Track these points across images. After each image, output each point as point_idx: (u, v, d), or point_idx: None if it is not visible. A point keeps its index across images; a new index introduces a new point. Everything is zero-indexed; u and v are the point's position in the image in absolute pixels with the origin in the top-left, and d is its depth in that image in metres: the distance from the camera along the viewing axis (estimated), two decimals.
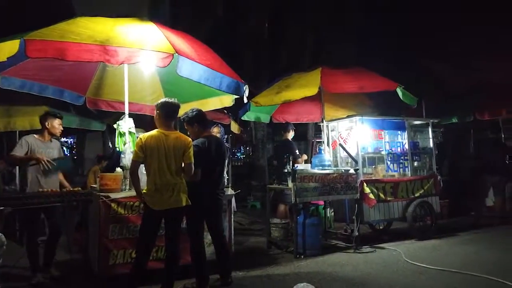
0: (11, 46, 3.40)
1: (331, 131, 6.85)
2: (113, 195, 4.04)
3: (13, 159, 4.33)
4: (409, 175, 6.63)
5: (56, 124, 4.47)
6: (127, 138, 4.61)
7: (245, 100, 4.98)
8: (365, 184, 5.91)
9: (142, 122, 5.29)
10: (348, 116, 6.61)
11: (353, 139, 6.40)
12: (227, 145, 5.74)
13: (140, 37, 4.00)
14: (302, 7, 11.82)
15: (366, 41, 12.61)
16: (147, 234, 3.61)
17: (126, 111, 4.76)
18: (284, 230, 6.02)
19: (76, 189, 4.45)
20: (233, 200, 5.28)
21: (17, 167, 6.31)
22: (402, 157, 6.72)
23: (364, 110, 7.42)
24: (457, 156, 9.14)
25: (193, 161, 3.69)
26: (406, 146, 6.77)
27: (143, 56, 3.80)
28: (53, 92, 5.25)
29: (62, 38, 3.63)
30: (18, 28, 3.85)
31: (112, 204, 3.99)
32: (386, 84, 6.48)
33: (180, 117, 4.20)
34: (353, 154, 6.20)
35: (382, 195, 6.10)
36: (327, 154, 6.35)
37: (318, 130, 9.10)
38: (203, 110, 4.70)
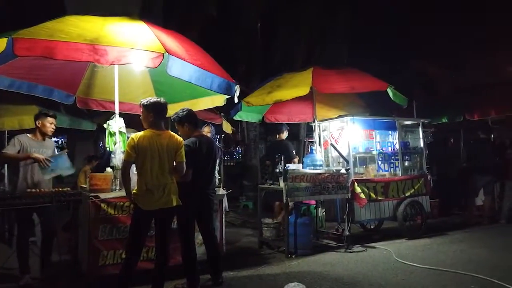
0: None
1: (323, 131, 6.87)
2: (103, 195, 4.01)
3: (5, 157, 4.28)
4: (400, 175, 6.67)
5: (47, 123, 4.44)
6: (118, 138, 4.58)
7: (236, 100, 4.97)
8: (356, 184, 5.94)
9: (133, 122, 5.25)
10: (339, 116, 6.64)
11: (345, 139, 6.44)
12: (218, 145, 5.74)
13: (130, 36, 3.97)
14: (295, 7, 11.84)
15: (358, 42, 12.68)
16: (137, 234, 3.59)
17: (117, 111, 4.73)
18: (276, 230, 6.02)
19: (65, 189, 4.41)
20: (225, 200, 5.27)
21: (6, 167, 6.24)
22: (392, 157, 6.77)
23: (355, 110, 7.47)
24: (447, 156, 9.21)
25: (184, 160, 3.68)
26: (397, 146, 6.82)
27: (133, 56, 3.77)
28: (42, 91, 5.18)
29: (50, 37, 3.58)
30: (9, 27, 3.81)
31: (102, 205, 3.96)
32: (377, 85, 6.52)
33: (170, 117, 4.18)
34: (345, 154, 6.23)
35: (373, 195, 6.14)
36: (318, 154, 6.38)
37: (310, 130, 9.14)
38: (195, 109, 4.69)
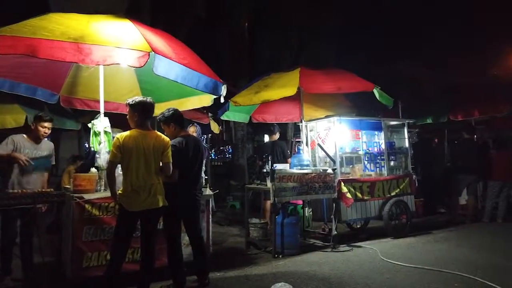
0: None
1: (310, 131, 6.90)
2: (87, 196, 3.95)
3: None
4: (386, 175, 6.75)
5: (40, 127, 4.42)
6: (103, 137, 4.52)
7: (222, 100, 4.95)
8: (342, 184, 5.98)
9: (118, 121, 5.18)
10: (326, 116, 6.68)
11: (331, 139, 6.48)
12: (205, 145, 5.71)
13: (116, 35, 3.91)
14: (283, 7, 11.87)
15: (345, 42, 12.79)
16: (122, 235, 3.54)
17: (102, 110, 4.66)
18: (263, 230, 6.03)
19: (49, 190, 4.33)
20: (212, 200, 5.25)
21: None
22: (378, 157, 6.84)
23: (342, 111, 7.52)
24: (431, 156, 9.36)
25: (171, 161, 3.64)
26: (383, 146, 6.89)
27: (119, 55, 3.72)
28: (25, 90, 5.07)
29: (33, 35, 3.51)
30: None
31: (86, 205, 3.90)
32: (363, 85, 6.57)
33: (156, 117, 4.14)
34: (331, 154, 6.27)
35: (359, 195, 6.19)
36: (305, 154, 6.40)
37: (297, 130, 9.17)
38: (182, 109, 4.66)
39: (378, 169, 6.79)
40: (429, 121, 9.34)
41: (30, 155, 4.28)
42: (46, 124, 4.43)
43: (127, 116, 3.67)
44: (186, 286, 3.89)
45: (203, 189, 4.58)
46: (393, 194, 6.58)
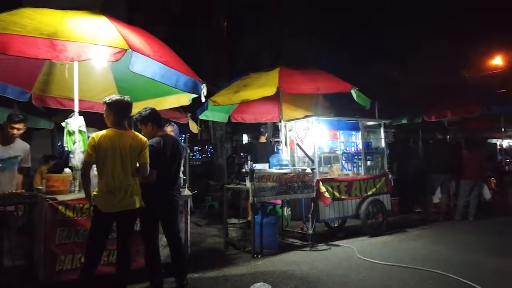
0: None
1: (289, 131, 6.93)
2: (60, 197, 3.83)
3: None
4: (363, 174, 6.85)
5: (8, 128, 4.24)
6: (77, 137, 4.39)
7: (203, 99, 4.91)
8: (321, 183, 6.04)
9: (94, 120, 5.05)
10: (305, 116, 6.72)
11: (310, 139, 6.52)
12: (183, 144, 5.65)
13: (91, 31, 3.81)
14: (262, 7, 11.89)
15: (323, 44, 12.93)
16: (97, 237, 3.45)
17: (76, 109, 4.53)
18: (242, 230, 6.01)
19: (19, 191, 4.17)
20: (190, 200, 5.19)
21: None
22: (356, 157, 6.94)
23: (320, 111, 7.59)
24: (407, 156, 9.57)
25: (148, 161, 3.58)
26: (360, 146, 6.99)
27: (95, 52, 3.63)
28: None
29: (4, 30, 3.38)
30: None
31: (60, 207, 3.78)
32: (341, 86, 6.66)
33: (133, 116, 4.06)
34: (310, 153, 6.31)
35: (337, 194, 6.26)
36: (285, 154, 6.42)
37: (276, 129, 9.20)
38: (160, 108, 4.59)
39: (355, 168, 6.88)
40: (404, 121, 9.55)
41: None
42: (17, 125, 4.27)
43: (104, 115, 3.58)
44: None
45: (181, 189, 4.52)
46: (369, 193, 6.69)
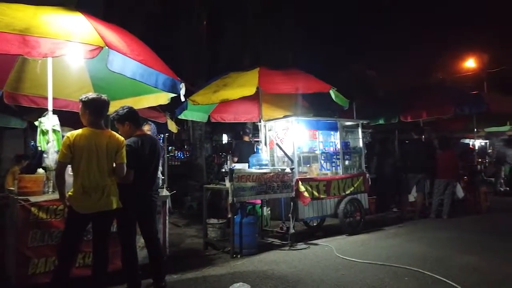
0: None
1: (269, 130, 6.95)
2: (33, 199, 3.71)
3: None
4: (341, 174, 6.94)
5: None
6: (51, 136, 4.27)
7: (182, 99, 4.86)
8: (300, 183, 6.08)
9: (69, 119, 4.92)
10: (284, 116, 6.76)
11: (289, 138, 6.56)
12: (161, 144, 5.59)
13: (66, 27, 3.71)
14: (241, 7, 11.88)
15: (303, 44, 13.05)
16: (71, 239, 3.36)
17: (50, 108, 4.41)
18: (221, 230, 5.99)
19: None
20: (169, 201, 5.14)
21: None
22: (334, 156, 7.02)
23: (300, 111, 7.65)
24: (383, 156, 9.76)
25: (125, 161, 3.51)
26: (338, 145, 7.08)
27: (69, 48, 3.53)
28: None
29: None
30: None
31: (32, 209, 3.67)
32: (320, 86, 6.73)
33: (109, 115, 3.97)
34: (289, 153, 6.35)
35: (316, 193, 6.31)
36: (264, 154, 6.44)
37: (256, 129, 9.21)
38: (138, 107, 4.51)
39: (334, 168, 6.97)
40: (381, 121, 9.74)
41: None
42: None
43: (79, 114, 3.49)
44: None
45: (159, 189, 4.46)
46: (347, 192, 6.78)
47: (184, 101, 6.23)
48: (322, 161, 6.88)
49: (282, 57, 12.01)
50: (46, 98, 4.50)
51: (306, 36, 13.18)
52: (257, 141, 8.46)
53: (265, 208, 6.88)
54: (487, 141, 14.98)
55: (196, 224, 7.61)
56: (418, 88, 10.95)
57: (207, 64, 11.53)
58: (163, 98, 5.30)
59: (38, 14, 3.77)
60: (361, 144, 7.54)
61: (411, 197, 8.51)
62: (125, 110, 3.91)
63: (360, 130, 7.55)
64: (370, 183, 7.37)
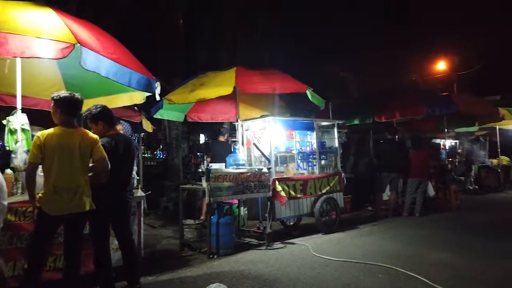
0: None
1: (246, 130, 6.95)
2: None
3: None
4: (317, 173, 7.01)
5: None
6: (19, 136, 4.11)
7: (157, 98, 4.79)
8: (277, 182, 6.11)
9: (39, 118, 4.76)
10: (261, 116, 6.77)
11: (267, 138, 6.57)
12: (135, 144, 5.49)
13: (36, 24, 3.58)
14: (217, 7, 11.83)
15: (279, 44, 13.12)
16: (41, 242, 3.25)
17: (19, 106, 4.25)
18: (198, 231, 5.94)
19: None
20: (144, 201, 5.05)
21: None
22: (311, 156, 7.09)
23: (276, 111, 7.68)
24: (358, 155, 9.94)
25: (105, 155, 3.42)
26: (315, 145, 7.15)
27: (39, 46, 3.41)
28: None
29: None
30: None
31: None
32: (297, 86, 6.77)
33: (82, 114, 3.86)
34: (266, 153, 6.36)
35: (292, 193, 6.35)
36: (241, 153, 6.43)
37: (233, 129, 9.19)
38: (112, 106, 4.41)
39: (310, 167, 7.03)
40: (356, 122, 9.90)
41: None
42: None
43: (52, 112, 3.38)
44: None
45: (134, 190, 4.38)
46: (323, 191, 6.86)
47: (159, 100, 6.15)
48: (299, 161, 6.93)
49: (259, 57, 12.04)
50: (15, 96, 4.33)
51: (283, 36, 13.25)
52: (234, 141, 8.45)
53: (242, 208, 6.88)
54: (457, 141, 15.49)
55: (172, 225, 7.52)
56: (391, 89, 11.21)
57: (184, 63, 11.41)
58: (138, 97, 5.21)
59: (6, 9, 3.63)
60: (336, 144, 7.65)
61: (385, 196, 8.69)
62: (99, 109, 3.82)
63: (336, 130, 7.65)
64: (345, 182, 7.49)
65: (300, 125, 7.10)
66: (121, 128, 5.29)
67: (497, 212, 8.76)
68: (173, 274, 4.51)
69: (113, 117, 4.00)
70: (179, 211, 6.09)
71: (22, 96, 4.35)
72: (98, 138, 3.49)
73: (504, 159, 13.18)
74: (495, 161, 13.19)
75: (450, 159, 13.09)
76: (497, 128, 12.34)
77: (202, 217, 6.63)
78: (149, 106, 6.97)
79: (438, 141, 14.71)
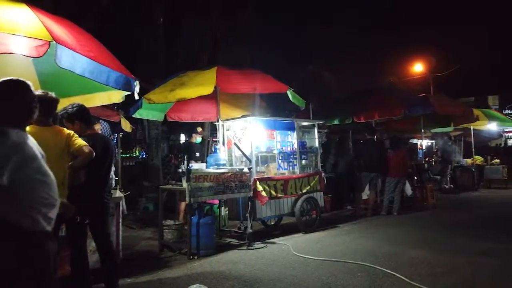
0: None
1: (227, 130, 6.92)
2: None
3: None
4: (298, 173, 7.05)
5: None
6: None
7: (136, 97, 4.70)
8: (258, 182, 6.11)
9: None
10: (242, 116, 6.76)
11: (247, 138, 6.57)
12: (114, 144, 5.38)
13: (10, 20, 3.46)
14: (198, 6, 11.75)
15: (260, 44, 13.15)
16: None
17: None
18: (178, 231, 5.88)
19: None
20: (122, 202, 4.97)
21: None
22: (291, 156, 7.13)
23: (257, 111, 7.68)
24: (338, 155, 10.06)
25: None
26: (295, 145, 7.19)
27: (14, 43, 3.29)
28: None
29: None
30: None
31: None
32: (278, 87, 6.80)
33: (58, 113, 3.76)
34: (247, 153, 6.36)
35: (273, 192, 6.37)
36: (222, 153, 6.41)
37: (213, 129, 9.15)
38: (89, 106, 4.31)
39: (291, 167, 7.07)
40: (336, 122, 10.03)
41: None
42: None
43: None
44: None
45: (112, 191, 4.31)
46: (304, 191, 6.91)
47: (139, 100, 6.06)
48: (280, 161, 6.95)
49: (240, 57, 12.02)
50: None
51: (264, 36, 13.29)
52: (215, 141, 8.41)
53: (223, 208, 6.85)
54: (433, 141, 15.88)
55: (151, 226, 7.42)
56: (370, 90, 11.40)
57: (163, 63, 11.29)
58: (117, 96, 5.09)
59: None
60: (317, 144, 7.71)
61: (364, 195, 8.83)
62: (75, 108, 3.73)
63: (316, 130, 7.72)
64: (325, 182, 7.56)
65: (281, 125, 7.12)
66: (100, 127, 5.18)
67: (472, 210, 9.03)
68: (153, 276, 4.46)
69: (90, 116, 3.91)
70: (159, 212, 6.02)
71: None
72: (73, 132, 3.40)
73: (478, 159, 13.59)
74: (469, 160, 13.58)
75: (427, 159, 13.41)
76: (472, 128, 12.73)
77: (180, 218, 6.57)
78: (128, 106, 6.86)
79: (415, 141, 15.05)
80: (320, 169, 7.62)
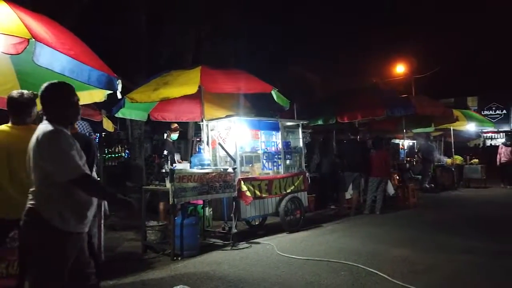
0: None
1: (211, 130, 6.89)
2: None
3: None
4: (282, 173, 7.07)
5: None
6: None
7: (119, 96, 4.63)
8: (242, 182, 6.11)
9: None
10: (227, 116, 6.74)
11: (232, 138, 6.56)
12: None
13: None
14: (182, 5, 11.66)
15: (244, 44, 13.15)
16: None
17: None
18: (161, 232, 5.82)
19: None
20: (105, 203, 4.88)
21: None
22: (276, 156, 7.14)
23: (242, 111, 7.68)
24: (322, 155, 10.14)
25: None
26: (280, 145, 7.21)
27: None
28: None
29: None
30: None
31: None
32: (262, 87, 6.80)
33: (39, 112, 3.67)
34: (232, 153, 6.34)
35: (258, 192, 6.38)
36: (206, 153, 6.37)
37: (198, 129, 9.10)
38: None
39: (275, 167, 7.08)
40: (320, 122, 10.11)
41: None
42: None
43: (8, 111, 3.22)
44: None
45: None
46: (288, 191, 6.93)
47: (121, 99, 5.98)
48: (264, 161, 6.96)
49: (224, 57, 11.99)
50: None
51: (248, 36, 13.28)
52: (199, 141, 8.35)
53: (207, 208, 6.82)
54: (414, 141, 16.15)
55: (134, 227, 7.32)
56: (353, 91, 11.53)
57: (147, 61, 11.15)
58: (99, 95, 5.01)
59: None
60: (301, 144, 7.75)
61: (348, 195, 8.92)
62: None
63: (300, 130, 7.76)
64: (309, 181, 7.61)
65: (265, 125, 7.13)
66: (76, 127, 5.07)
67: (453, 209, 9.22)
68: (136, 277, 4.40)
69: None
70: (142, 213, 5.94)
71: None
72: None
73: (458, 159, 13.90)
74: (449, 160, 13.87)
75: (408, 159, 13.64)
76: (451, 129, 13.01)
77: (161, 220, 6.50)
78: (110, 105, 6.75)
79: (397, 141, 15.28)
80: (304, 169, 7.66)
